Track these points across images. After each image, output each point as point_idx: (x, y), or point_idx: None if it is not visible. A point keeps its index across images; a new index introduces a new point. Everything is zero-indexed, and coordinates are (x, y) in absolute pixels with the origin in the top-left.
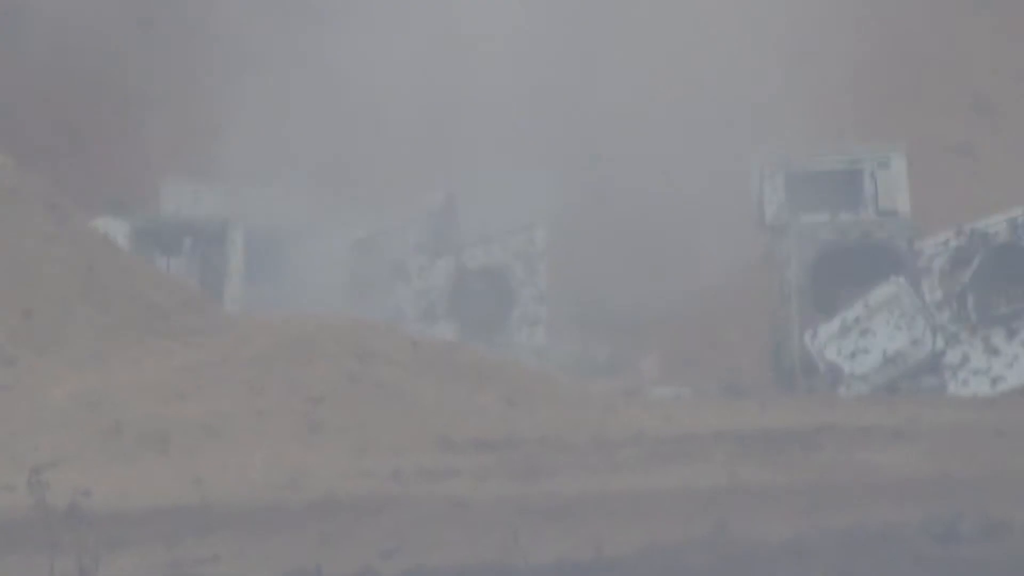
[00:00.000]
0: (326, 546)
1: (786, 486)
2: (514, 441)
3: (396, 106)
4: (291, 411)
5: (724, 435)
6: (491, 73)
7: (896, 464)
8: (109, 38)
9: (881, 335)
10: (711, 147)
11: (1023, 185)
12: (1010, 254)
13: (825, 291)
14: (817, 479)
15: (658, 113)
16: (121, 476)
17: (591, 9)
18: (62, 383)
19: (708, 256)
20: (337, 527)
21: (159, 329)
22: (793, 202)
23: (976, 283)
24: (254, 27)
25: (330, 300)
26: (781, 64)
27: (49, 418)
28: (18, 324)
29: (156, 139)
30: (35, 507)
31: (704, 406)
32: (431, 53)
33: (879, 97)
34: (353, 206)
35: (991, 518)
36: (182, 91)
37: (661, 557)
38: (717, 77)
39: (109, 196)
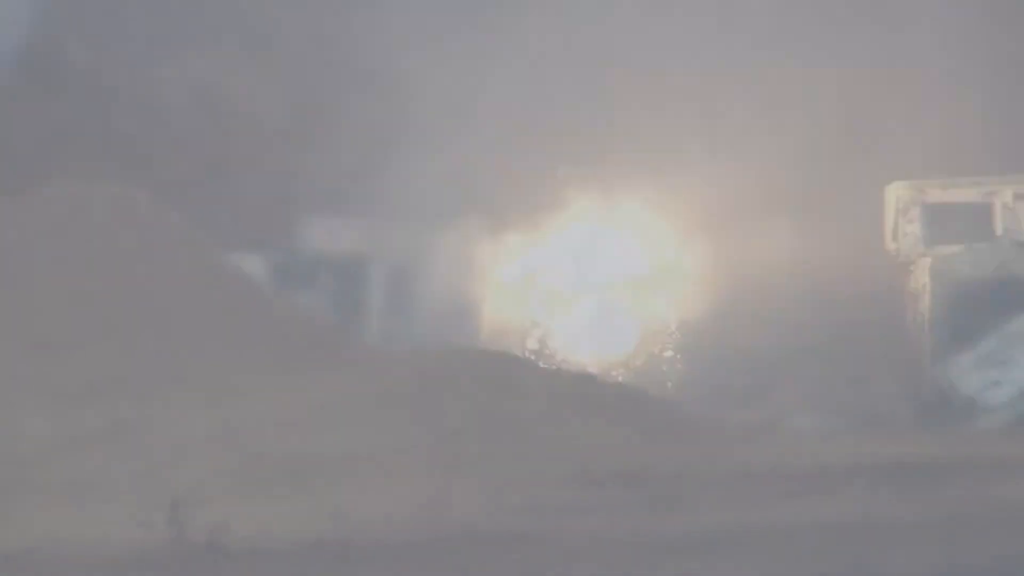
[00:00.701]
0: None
1: (921, 520)
2: (651, 474)
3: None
4: (428, 445)
5: (861, 467)
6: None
7: None
8: (250, 76)
9: (1017, 367)
10: (846, 179)
11: None
12: None
13: (962, 323)
14: (952, 512)
15: (794, 146)
16: (258, 511)
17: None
18: (199, 418)
19: (846, 288)
20: (474, 561)
21: (296, 363)
22: (929, 234)
23: None
24: (393, 63)
25: (462, 335)
26: (915, 95)
27: (187, 453)
28: (157, 359)
29: (295, 175)
30: (174, 543)
31: (841, 438)
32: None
33: (1015, 127)
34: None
35: None
36: (321, 127)
37: None
38: (850, 109)
39: (248, 232)
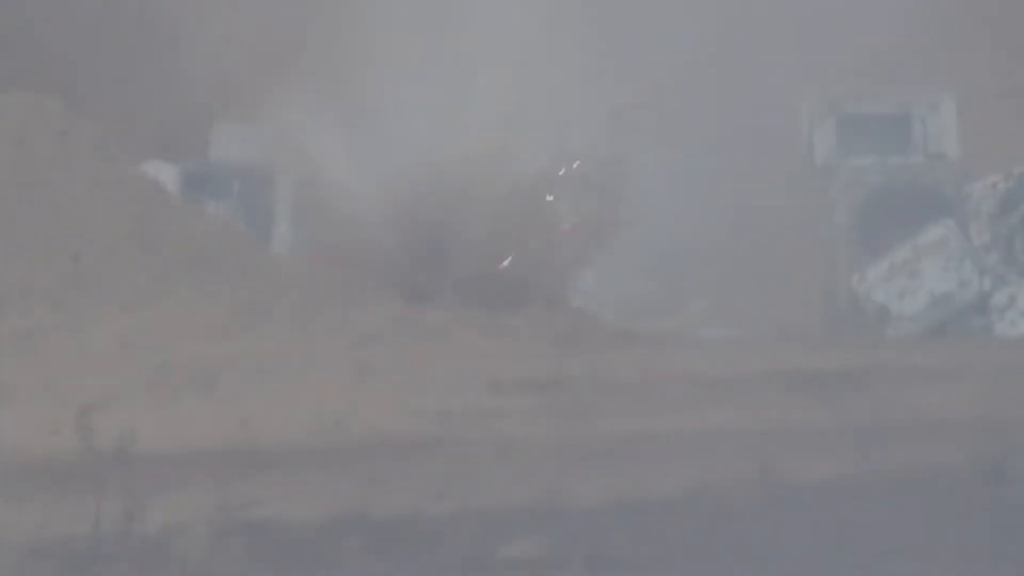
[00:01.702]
0: (373, 488)
1: (833, 427)
2: (562, 382)
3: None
4: (338, 352)
5: (772, 376)
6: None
7: (943, 404)
8: None
9: (929, 277)
10: (760, 88)
11: None
12: None
13: (874, 234)
14: (864, 419)
15: (709, 51)
16: (168, 417)
17: None
18: (109, 325)
19: (757, 197)
20: (384, 469)
21: (207, 271)
22: (843, 145)
23: (1019, 224)
24: None
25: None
26: (832, 6)
27: (96, 360)
28: (66, 267)
29: (206, 83)
30: (82, 449)
31: (753, 347)
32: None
33: (928, 40)
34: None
35: None
36: (232, 35)
37: (708, 498)
38: (768, 19)
39: (158, 140)
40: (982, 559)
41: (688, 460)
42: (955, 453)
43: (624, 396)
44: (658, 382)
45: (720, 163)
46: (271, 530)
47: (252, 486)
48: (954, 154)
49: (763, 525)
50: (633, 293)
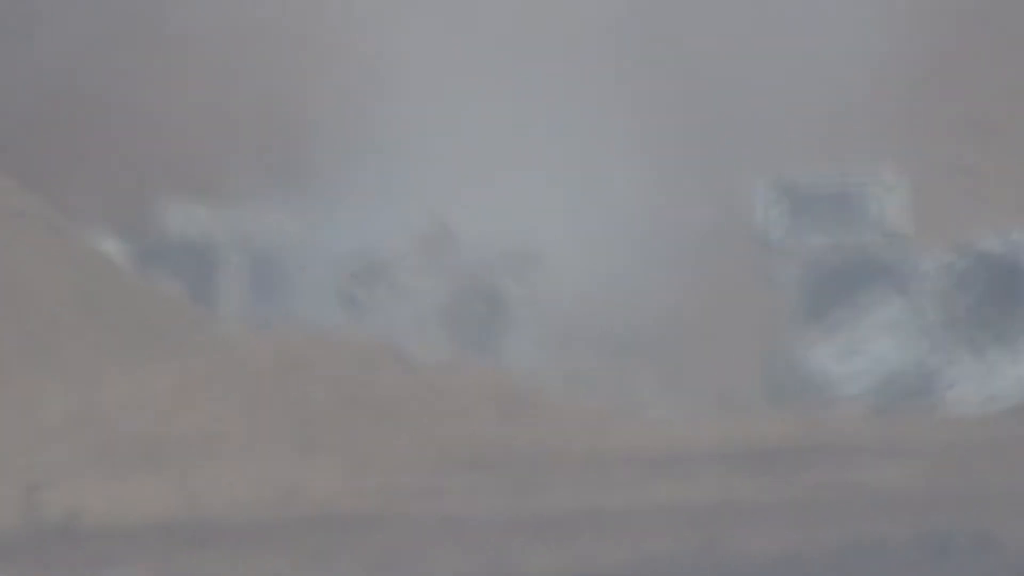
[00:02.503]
0: (319, 562)
1: (778, 502)
2: (508, 459)
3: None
4: (285, 428)
5: (717, 452)
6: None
7: (889, 480)
8: (110, 63)
9: (877, 352)
10: (713, 171)
11: (1020, 203)
12: (1008, 273)
13: (825, 311)
14: (810, 496)
15: (663, 131)
16: (115, 492)
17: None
18: (57, 400)
19: (702, 275)
20: (330, 544)
21: (154, 347)
22: (797, 224)
23: (975, 303)
24: (246, 49)
25: (328, 318)
26: (783, 90)
27: (43, 435)
28: (14, 342)
29: (156, 161)
30: (29, 524)
31: (698, 423)
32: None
33: (879, 120)
34: (349, 224)
35: (983, 534)
36: (182, 114)
37: (653, 572)
38: (721, 103)
39: (109, 217)
40: None
41: (633, 535)
42: (900, 529)
43: (568, 472)
44: (603, 458)
45: (671, 240)
46: None
47: (198, 561)
48: (908, 232)
49: None
50: (577, 365)
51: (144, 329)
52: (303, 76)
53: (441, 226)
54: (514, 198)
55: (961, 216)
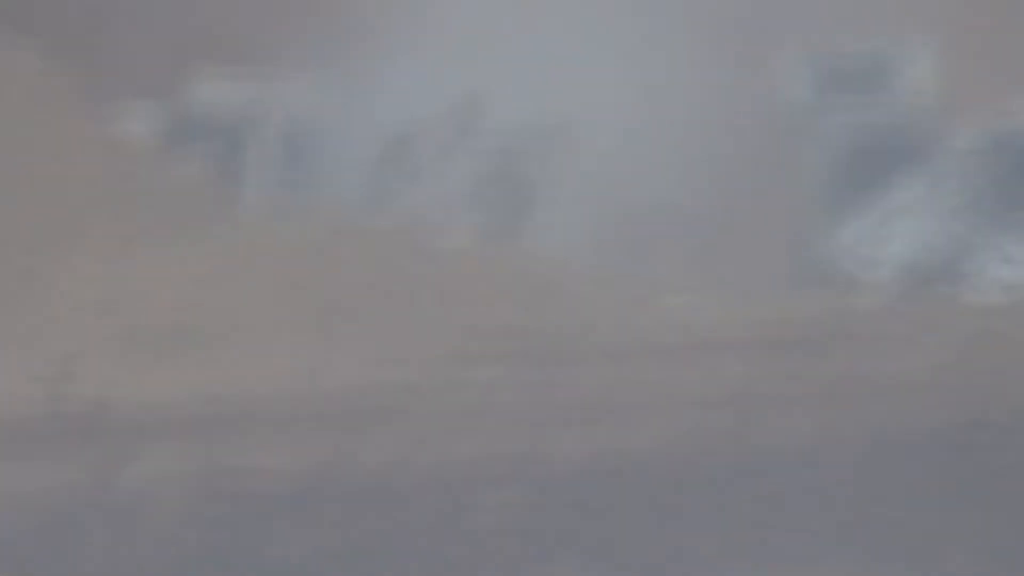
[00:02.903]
0: (353, 439)
1: (799, 393)
2: (538, 335)
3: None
4: (314, 308)
5: (740, 340)
6: None
7: (911, 371)
8: None
9: (899, 239)
10: (731, 39)
11: None
12: None
13: (849, 188)
14: (833, 384)
15: (691, 7)
16: (141, 376)
17: None
18: (83, 283)
19: (728, 153)
20: (363, 421)
21: (178, 230)
22: (820, 94)
23: (997, 187)
24: None
25: (356, 200)
26: None
27: (69, 320)
28: (38, 223)
29: (187, 28)
30: (57, 407)
31: (721, 309)
32: None
33: None
34: (384, 97)
35: (1001, 425)
36: None
37: (671, 460)
38: None
39: (138, 85)
40: (951, 527)
41: (653, 422)
42: (924, 420)
43: (592, 357)
44: (628, 346)
45: (690, 114)
46: (252, 481)
47: (228, 443)
48: (934, 105)
49: (727, 487)
50: (604, 247)
51: (169, 212)
52: None
53: (471, 100)
54: (545, 71)
55: (996, 86)
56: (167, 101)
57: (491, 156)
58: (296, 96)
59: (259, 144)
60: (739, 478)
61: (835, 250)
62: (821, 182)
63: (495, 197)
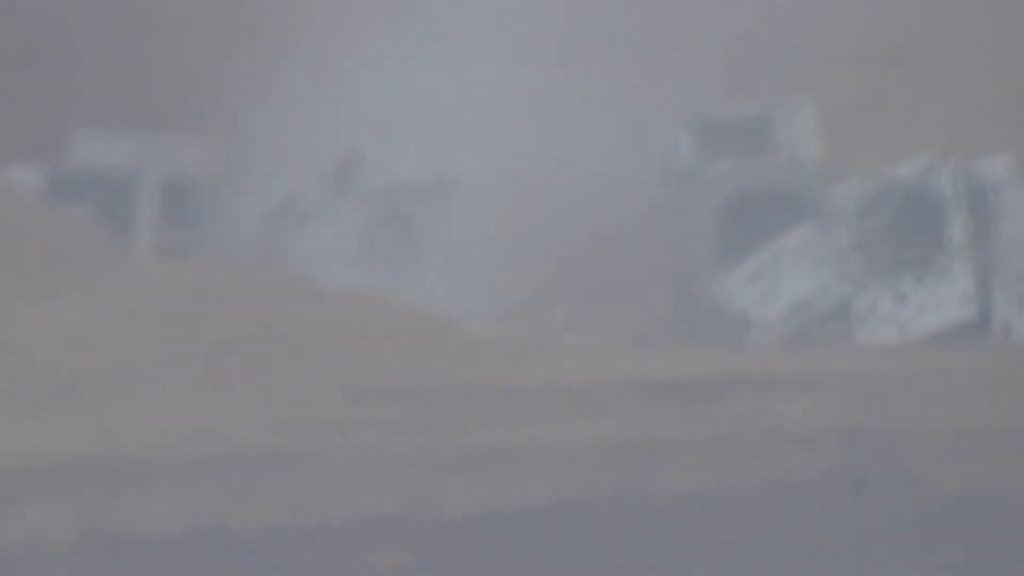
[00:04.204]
0: (234, 500)
1: (694, 438)
2: (423, 392)
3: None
4: (199, 360)
5: (632, 385)
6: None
7: (803, 415)
8: None
9: (790, 281)
10: (620, 98)
11: (931, 133)
12: (918, 201)
13: (734, 238)
14: (724, 430)
15: (570, 59)
16: (27, 427)
17: None
18: None
19: (614, 205)
20: (245, 480)
21: (65, 278)
22: (705, 151)
23: (885, 229)
24: None
25: (243, 250)
26: (692, 15)
27: None
28: None
29: (68, 87)
30: None
31: (613, 356)
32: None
33: (790, 48)
34: (263, 158)
35: (898, 469)
36: (95, 39)
37: (569, 510)
38: (629, 28)
39: (20, 144)
40: (842, 570)
41: (549, 472)
42: (816, 464)
43: (483, 406)
44: (519, 392)
45: (582, 170)
46: (132, 542)
47: (112, 499)
48: (815, 156)
49: (623, 537)
50: (493, 299)
51: (55, 260)
52: (219, 9)
53: (354, 153)
54: (434, 127)
55: (872, 144)
56: (52, 159)
57: (378, 209)
58: (178, 152)
59: (144, 194)
60: (636, 526)
61: (723, 297)
62: (709, 235)
63: (383, 248)
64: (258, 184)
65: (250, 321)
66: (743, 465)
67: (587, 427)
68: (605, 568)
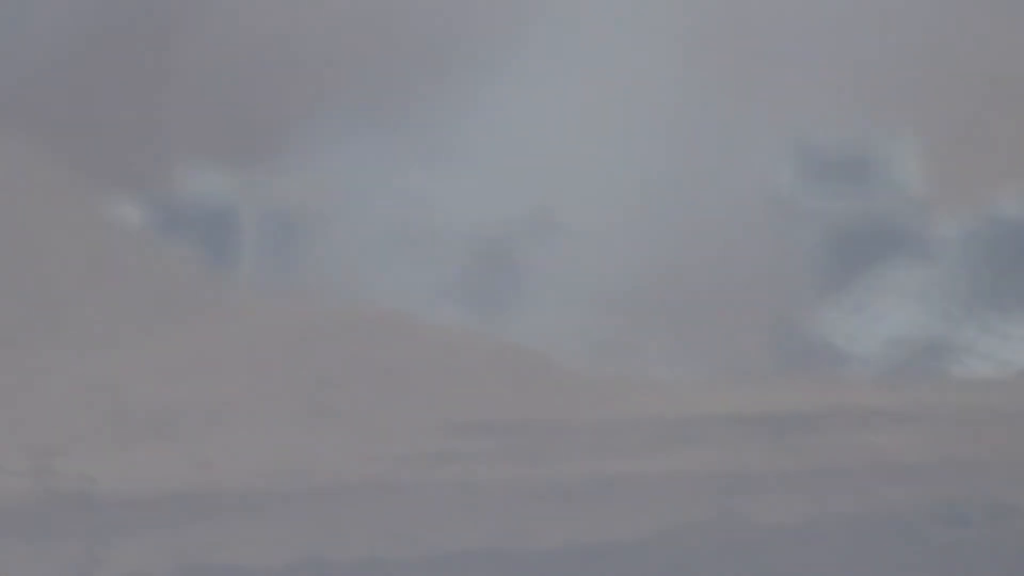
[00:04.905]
0: (331, 532)
1: (792, 469)
2: (520, 425)
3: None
4: (297, 394)
5: (730, 418)
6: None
7: (902, 447)
8: (130, 18)
9: (890, 315)
10: (724, 124)
11: None
12: (1021, 235)
13: (835, 270)
14: (822, 462)
15: (671, 87)
16: (128, 461)
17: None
18: (70, 367)
19: (717, 233)
20: (342, 512)
21: (166, 312)
22: (807, 181)
23: (987, 264)
24: (270, 16)
25: (347, 284)
26: (798, 43)
27: (56, 402)
28: (27, 307)
29: (174, 121)
30: (43, 493)
31: (710, 389)
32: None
33: (895, 77)
34: (365, 192)
35: (996, 501)
36: (200, 74)
37: (667, 542)
38: (738, 55)
39: (126, 177)
40: None
41: (646, 503)
42: (914, 496)
43: (579, 439)
44: (616, 425)
45: (680, 199)
46: (232, 574)
47: (211, 530)
48: (918, 191)
49: (721, 569)
50: (592, 331)
51: (157, 295)
52: (322, 39)
53: (461, 191)
54: (536, 163)
55: (979, 178)
56: (159, 189)
57: (480, 245)
58: (281, 185)
59: (249, 230)
60: (734, 558)
61: (826, 331)
62: (809, 266)
63: (483, 285)
64: (359, 218)
65: (348, 355)
66: (840, 497)
67: (682, 459)
68: None
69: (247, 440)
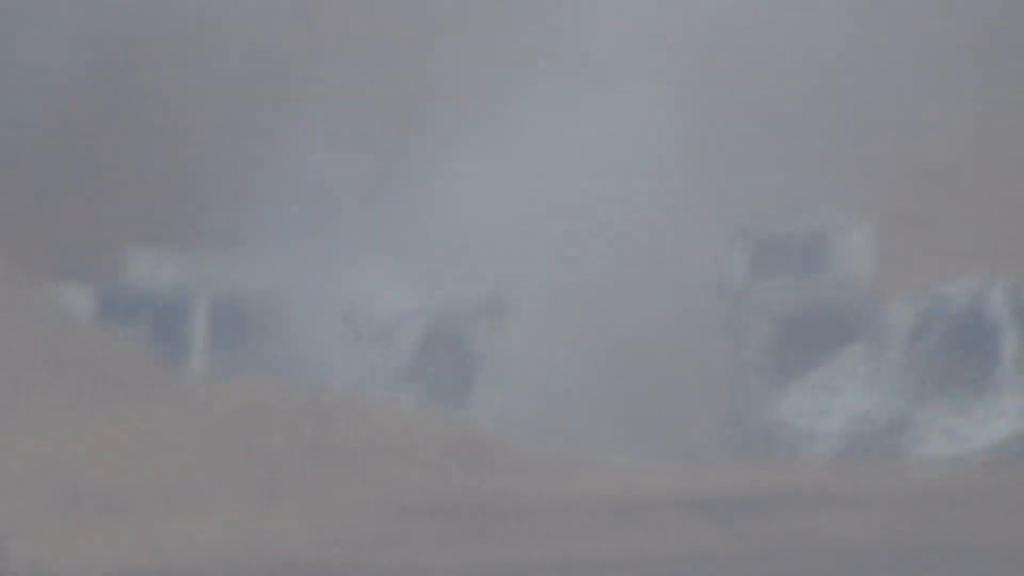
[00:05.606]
0: None
1: (742, 553)
2: (472, 507)
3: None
4: (249, 477)
5: (680, 501)
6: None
7: (853, 531)
8: (75, 108)
9: (843, 399)
10: (673, 211)
11: (982, 252)
12: (972, 320)
13: (787, 355)
14: (772, 547)
15: (620, 175)
16: (79, 543)
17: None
18: (19, 451)
19: (665, 322)
20: None
21: (117, 396)
22: (756, 268)
23: (937, 347)
24: (224, 95)
25: (295, 367)
26: (746, 132)
27: (7, 486)
28: None
29: (120, 207)
30: None
31: (662, 471)
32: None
33: (840, 167)
34: (313, 277)
35: None
36: (146, 160)
37: None
38: (683, 144)
39: (72, 264)
40: None
41: None
42: None
43: (529, 521)
44: (568, 508)
45: (627, 288)
46: None
47: None
48: (868, 277)
49: None
50: (544, 414)
51: (107, 379)
52: (265, 132)
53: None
54: (487, 249)
55: (922, 262)
56: (104, 278)
57: (432, 329)
58: (229, 270)
59: (195, 314)
60: None
61: (775, 415)
62: (761, 351)
63: (435, 369)
64: (309, 302)
65: (300, 438)
66: None
67: (635, 542)
68: None
69: (199, 523)
